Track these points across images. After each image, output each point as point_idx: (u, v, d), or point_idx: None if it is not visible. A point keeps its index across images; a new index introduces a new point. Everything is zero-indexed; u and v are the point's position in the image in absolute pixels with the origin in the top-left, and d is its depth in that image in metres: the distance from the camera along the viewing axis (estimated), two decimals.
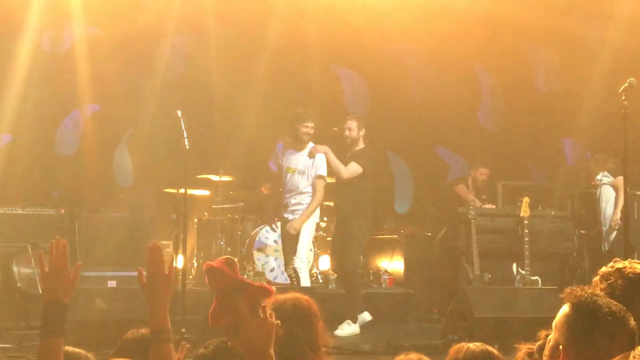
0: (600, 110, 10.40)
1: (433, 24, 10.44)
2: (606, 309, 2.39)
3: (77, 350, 3.16)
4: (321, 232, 10.31)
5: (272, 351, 2.18)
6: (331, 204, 10.35)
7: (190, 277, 9.94)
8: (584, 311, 2.38)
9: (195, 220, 10.39)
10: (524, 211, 9.59)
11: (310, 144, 8.77)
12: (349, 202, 8.79)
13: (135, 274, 8.86)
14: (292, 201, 8.64)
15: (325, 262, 10.32)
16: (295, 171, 8.66)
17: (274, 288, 2.33)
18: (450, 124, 11.31)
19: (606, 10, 10.28)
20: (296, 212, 8.59)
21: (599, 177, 9.78)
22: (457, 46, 10.67)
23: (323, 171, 8.68)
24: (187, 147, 8.01)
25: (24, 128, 10.37)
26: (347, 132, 8.79)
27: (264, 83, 11.10)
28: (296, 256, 8.58)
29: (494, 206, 10.35)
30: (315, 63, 11.41)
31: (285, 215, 8.67)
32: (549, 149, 11.43)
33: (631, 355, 2.18)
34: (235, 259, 2.21)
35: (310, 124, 8.70)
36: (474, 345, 3.16)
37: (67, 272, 2.88)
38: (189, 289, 8.54)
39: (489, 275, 9.51)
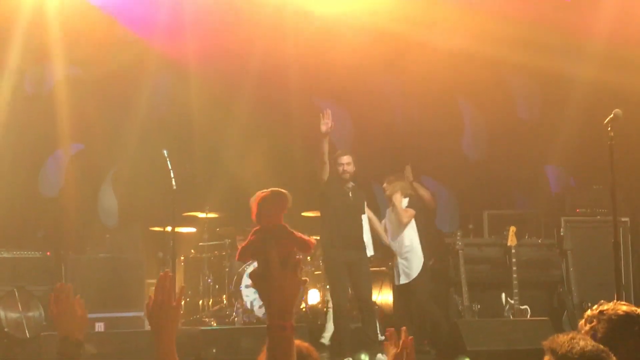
0: (582, 137, 10.49)
1: (414, 57, 10.50)
2: (580, 352, 2.43)
3: None
4: (310, 267, 10.26)
5: (293, 308, 2.05)
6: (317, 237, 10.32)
7: None
8: (559, 356, 2.42)
9: (182, 257, 10.32)
10: (511, 240, 9.65)
11: None
12: (362, 236, 8.90)
13: (123, 314, 8.67)
14: None
15: (314, 297, 10.26)
16: None
17: (314, 240, 2.14)
18: (435, 154, 11.34)
19: (581, 46, 10.44)
20: None
21: (405, 203, 9.52)
22: (438, 78, 10.73)
23: None
24: (175, 187, 8.02)
25: (6, 169, 10.29)
26: (345, 167, 8.86)
27: (245, 118, 11.10)
28: None
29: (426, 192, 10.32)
30: (296, 97, 11.43)
31: None
32: (533, 177, 11.49)
33: None
34: (289, 196, 2.02)
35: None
36: None
37: (75, 310, 3.04)
38: (178, 328, 8.49)
39: (478, 306, 9.53)
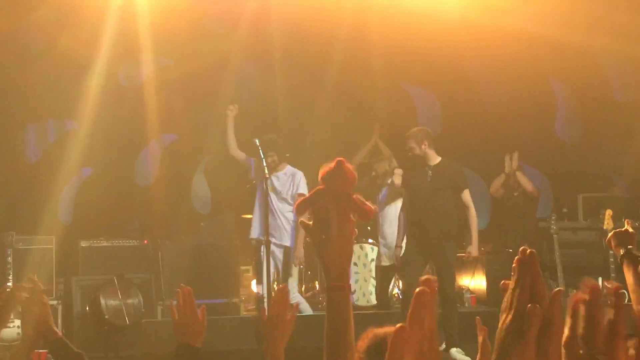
0: None
1: (503, 40, 10.33)
2: None
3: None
4: None
5: (349, 270, 2.09)
6: None
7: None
8: None
9: None
10: (607, 224, 9.40)
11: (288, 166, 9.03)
12: (449, 223, 8.47)
13: (219, 301, 8.77)
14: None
15: None
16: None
17: (373, 207, 2.11)
18: (527, 137, 11.15)
19: None
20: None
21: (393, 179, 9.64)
22: (528, 59, 10.53)
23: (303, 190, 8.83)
24: (267, 175, 8.12)
25: (103, 160, 10.57)
26: (413, 152, 8.50)
27: (330, 105, 11.12)
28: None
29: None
30: (382, 83, 11.37)
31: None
32: (630, 159, 11.18)
33: None
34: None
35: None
36: None
37: (196, 317, 3.05)
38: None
39: (574, 291, 9.33)
